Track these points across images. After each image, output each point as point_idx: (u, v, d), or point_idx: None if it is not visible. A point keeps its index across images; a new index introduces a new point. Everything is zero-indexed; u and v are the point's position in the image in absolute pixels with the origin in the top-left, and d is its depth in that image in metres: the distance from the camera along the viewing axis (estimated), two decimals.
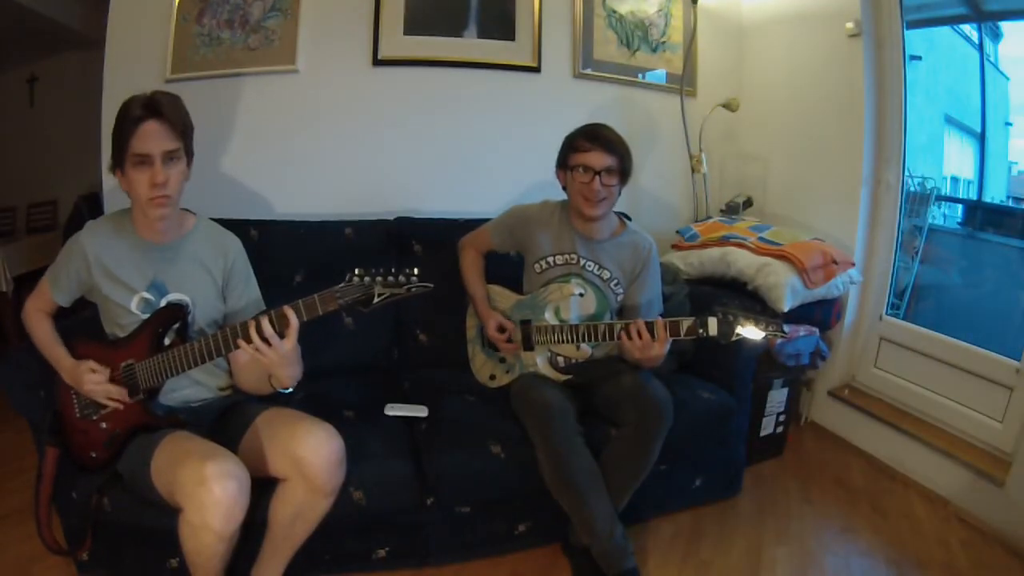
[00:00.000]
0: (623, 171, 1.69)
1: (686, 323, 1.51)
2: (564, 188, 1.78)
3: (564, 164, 1.74)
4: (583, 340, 1.65)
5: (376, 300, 1.21)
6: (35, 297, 1.48)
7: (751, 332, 1.45)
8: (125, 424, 1.37)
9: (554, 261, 1.77)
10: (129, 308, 1.39)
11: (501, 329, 1.78)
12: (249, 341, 1.25)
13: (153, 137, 1.29)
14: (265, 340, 1.24)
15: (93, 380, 1.34)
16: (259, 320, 1.25)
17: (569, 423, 1.56)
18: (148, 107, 1.29)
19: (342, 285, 1.22)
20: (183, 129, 1.34)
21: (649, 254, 1.78)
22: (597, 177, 1.65)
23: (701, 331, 1.49)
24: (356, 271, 1.22)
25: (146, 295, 1.40)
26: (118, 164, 1.33)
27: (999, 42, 2.40)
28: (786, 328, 1.46)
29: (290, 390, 1.40)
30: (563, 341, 1.68)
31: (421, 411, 1.75)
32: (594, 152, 1.66)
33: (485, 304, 1.85)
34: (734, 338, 1.46)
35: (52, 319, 1.48)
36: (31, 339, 1.47)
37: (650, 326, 1.54)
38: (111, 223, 1.43)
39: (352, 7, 2.23)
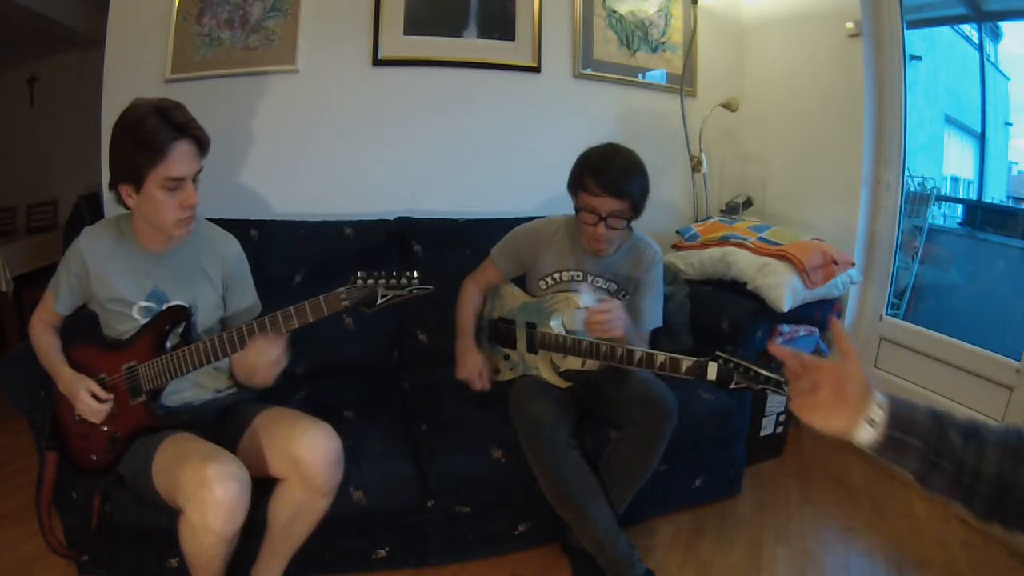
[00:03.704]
0: (635, 209, 1.58)
1: (686, 363, 1.44)
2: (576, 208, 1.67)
3: (574, 191, 1.63)
4: (586, 357, 1.60)
5: (379, 301, 1.22)
6: (40, 310, 1.47)
7: (748, 384, 1.36)
8: (127, 426, 1.37)
9: (560, 278, 1.73)
10: (130, 315, 1.39)
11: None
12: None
13: (186, 160, 1.27)
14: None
15: (90, 404, 1.32)
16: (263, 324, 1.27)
17: (560, 438, 1.53)
18: (177, 128, 1.25)
19: (347, 287, 1.22)
20: (207, 143, 1.32)
21: (653, 261, 1.73)
22: (602, 222, 1.56)
23: (698, 375, 1.41)
24: (359, 273, 1.23)
25: (146, 304, 1.39)
26: (130, 182, 1.27)
27: (999, 42, 2.40)
28: (784, 387, 1.35)
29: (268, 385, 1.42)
30: (566, 354, 1.65)
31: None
32: (603, 198, 1.54)
33: (469, 338, 1.76)
34: (732, 386, 1.38)
35: (56, 332, 1.46)
36: (34, 349, 1.45)
37: (651, 359, 1.47)
38: (111, 230, 1.41)
39: (352, 7, 2.23)
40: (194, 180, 1.31)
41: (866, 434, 0.80)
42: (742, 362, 1.35)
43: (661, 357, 1.46)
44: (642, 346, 1.64)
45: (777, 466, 2.24)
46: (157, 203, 1.28)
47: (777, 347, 0.90)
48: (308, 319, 1.25)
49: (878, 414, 0.80)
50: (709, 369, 1.39)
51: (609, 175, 1.54)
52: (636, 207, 1.58)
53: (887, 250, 2.37)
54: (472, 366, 1.71)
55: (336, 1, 2.22)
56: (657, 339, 1.81)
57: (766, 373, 1.32)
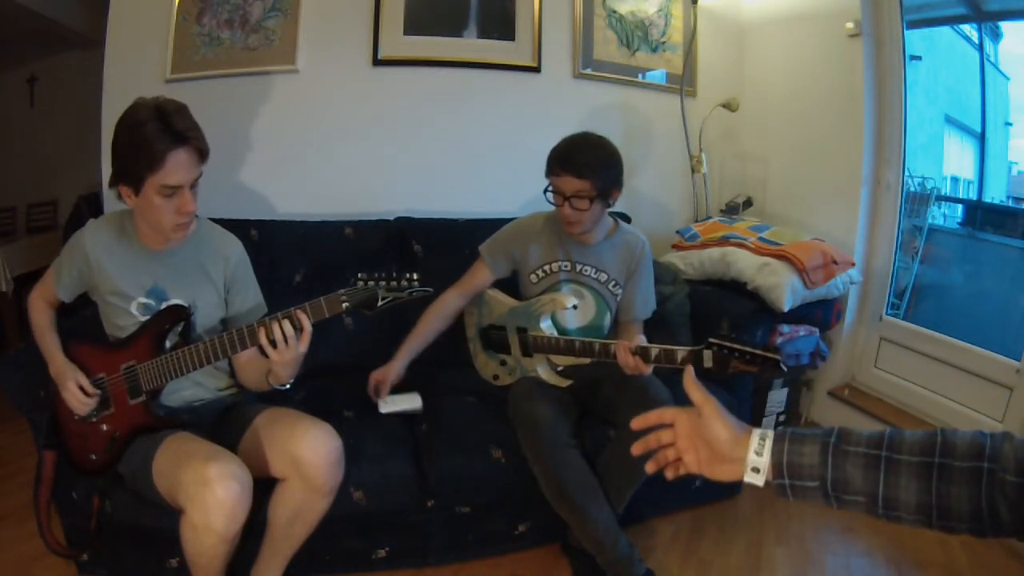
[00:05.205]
0: (600, 192, 1.61)
1: (681, 353, 1.44)
2: None
3: (547, 176, 1.69)
4: (581, 356, 1.61)
5: (380, 303, 1.22)
6: (40, 286, 1.49)
7: (745, 367, 1.36)
8: (127, 426, 1.37)
9: (550, 269, 1.75)
10: (128, 310, 1.39)
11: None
12: (271, 338, 1.25)
13: (184, 168, 1.26)
14: (284, 341, 1.25)
15: (75, 395, 1.33)
16: (281, 322, 1.25)
17: (560, 438, 1.54)
18: (177, 136, 1.24)
19: (347, 289, 1.22)
20: (207, 152, 1.31)
21: (643, 252, 1.77)
22: (567, 202, 1.61)
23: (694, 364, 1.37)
24: (360, 275, 1.23)
25: (145, 300, 1.39)
26: (129, 184, 1.27)
27: (999, 42, 2.40)
28: (785, 353, 1.37)
29: (288, 387, 1.40)
30: (560, 353, 1.66)
31: (415, 401, 1.72)
32: (564, 178, 1.61)
33: (394, 363, 1.74)
34: (730, 371, 1.37)
35: (54, 310, 1.48)
36: (30, 326, 1.47)
37: (646, 352, 1.48)
38: (114, 226, 1.42)
39: (352, 7, 2.23)
40: (193, 186, 1.30)
41: (756, 481, 0.73)
42: (736, 346, 1.35)
43: (655, 350, 1.47)
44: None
45: None
46: (155, 207, 1.28)
47: (638, 419, 0.86)
48: (311, 321, 1.25)
49: (759, 462, 0.72)
50: (705, 357, 1.39)
51: (570, 157, 1.61)
52: (599, 188, 1.60)
53: (887, 250, 2.37)
54: (377, 375, 1.72)
55: (336, 1, 2.22)
56: (657, 339, 1.81)
57: (762, 353, 1.32)
